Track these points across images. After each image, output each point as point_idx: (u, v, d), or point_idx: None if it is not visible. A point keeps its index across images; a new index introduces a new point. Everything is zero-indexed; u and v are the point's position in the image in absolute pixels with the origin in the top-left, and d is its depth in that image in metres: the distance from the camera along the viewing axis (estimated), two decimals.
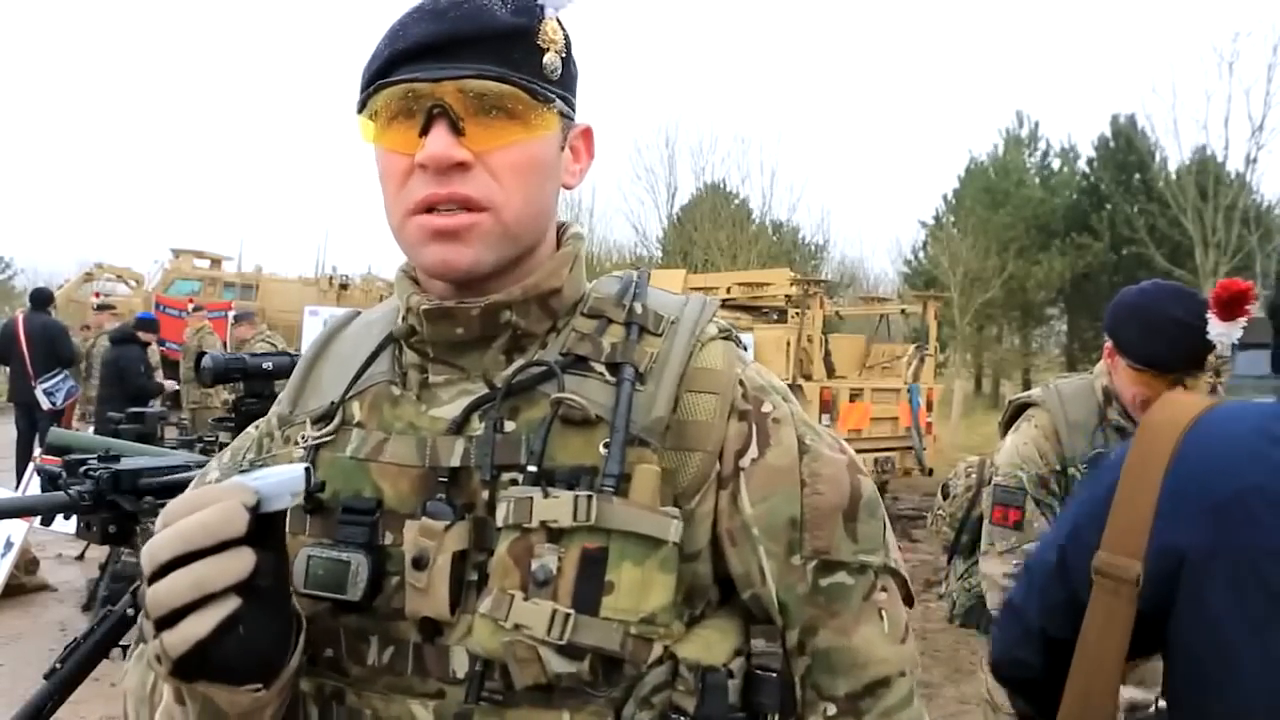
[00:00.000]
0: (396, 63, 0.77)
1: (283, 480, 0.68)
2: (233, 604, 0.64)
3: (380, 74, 0.78)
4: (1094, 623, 0.88)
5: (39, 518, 1.78)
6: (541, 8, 0.80)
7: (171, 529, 0.64)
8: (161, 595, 0.63)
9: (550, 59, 0.80)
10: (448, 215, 0.77)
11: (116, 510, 1.64)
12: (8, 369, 8.62)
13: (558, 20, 0.81)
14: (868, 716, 0.80)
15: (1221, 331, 1.88)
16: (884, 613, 0.82)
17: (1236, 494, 0.81)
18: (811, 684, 0.80)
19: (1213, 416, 0.88)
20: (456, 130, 0.76)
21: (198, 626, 0.63)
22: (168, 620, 0.63)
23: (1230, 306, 1.87)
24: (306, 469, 0.70)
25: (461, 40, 0.76)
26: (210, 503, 0.65)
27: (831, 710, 0.80)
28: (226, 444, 2.47)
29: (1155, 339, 1.95)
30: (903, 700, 0.81)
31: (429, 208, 0.78)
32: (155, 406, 6.84)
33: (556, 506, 0.72)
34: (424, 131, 0.77)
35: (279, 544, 0.70)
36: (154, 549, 0.64)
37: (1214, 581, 0.80)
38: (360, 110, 0.81)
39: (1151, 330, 1.96)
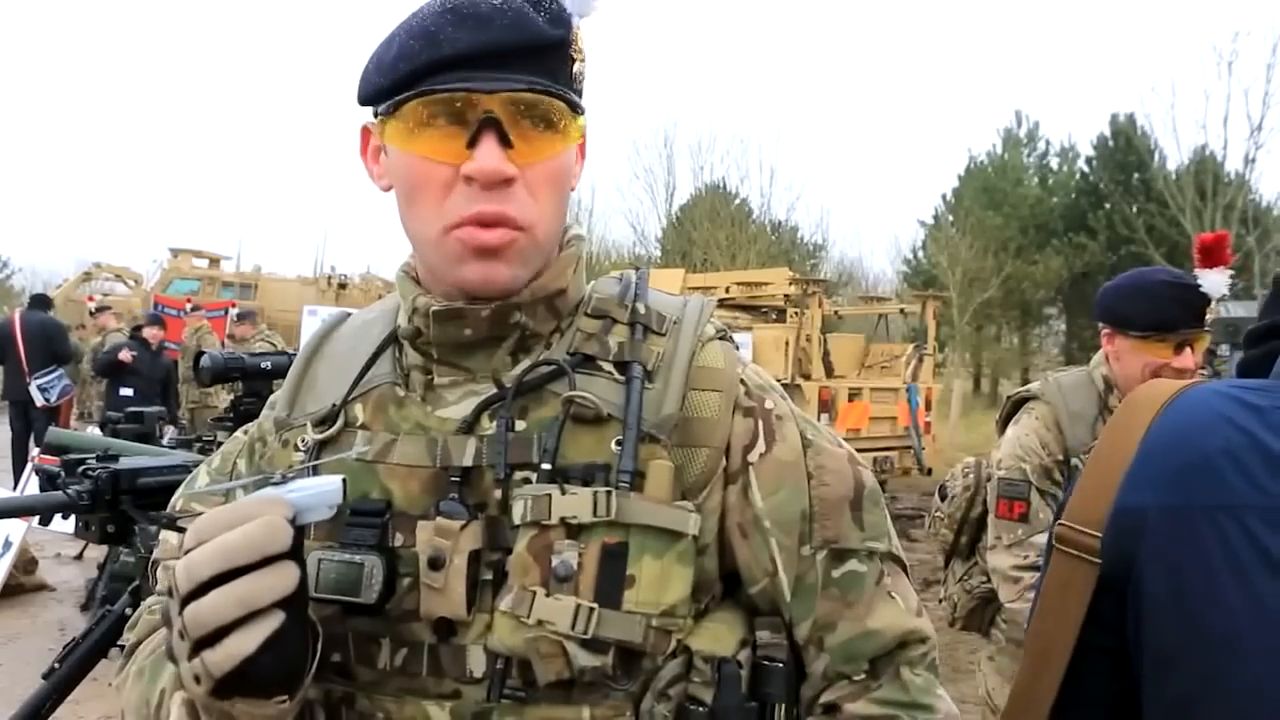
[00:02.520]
0: (438, 68, 0.75)
1: (320, 492, 0.68)
2: (278, 619, 0.63)
3: (416, 77, 0.76)
4: (1050, 591, 0.87)
5: (37, 517, 1.78)
6: (571, 16, 0.79)
7: (211, 545, 0.63)
8: (204, 614, 0.62)
9: (579, 69, 0.80)
10: (491, 227, 0.77)
11: (115, 510, 1.64)
12: (3, 367, 8.55)
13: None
14: (890, 671, 0.82)
15: (1212, 280, 1.96)
16: (894, 594, 0.84)
17: (1202, 456, 0.81)
18: (835, 673, 0.82)
19: (1191, 392, 0.88)
20: (506, 143, 0.76)
21: (244, 644, 0.62)
22: (209, 639, 0.62)
23: (1213, 253, 1.97)
24: (343, 480, 0.70)
25: (509, 51, 0.75)
26: (248, 518, 0.64)
27: (860, 675, 0.82)
28: (222, 442, 2.47)
29: (1154, 303, 2.00)
30: (920, 657, 0.83)
31: (475, 223, 0.77)
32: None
33: (576, 503, 0.73)
34: (472, 143, 0.75)
35: (302, 553, 0.69)
36: (193, 566, 0.63)
37: (1178, 541, 0.80)
38: (388, 111, 0.79)
39: (1148, 297, 2.01)
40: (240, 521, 0.64)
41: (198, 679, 0.64)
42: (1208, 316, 1.99)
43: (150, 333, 8.29)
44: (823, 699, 0.82)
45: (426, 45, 0.75)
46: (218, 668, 0.62)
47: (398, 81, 0.77)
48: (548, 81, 0.77)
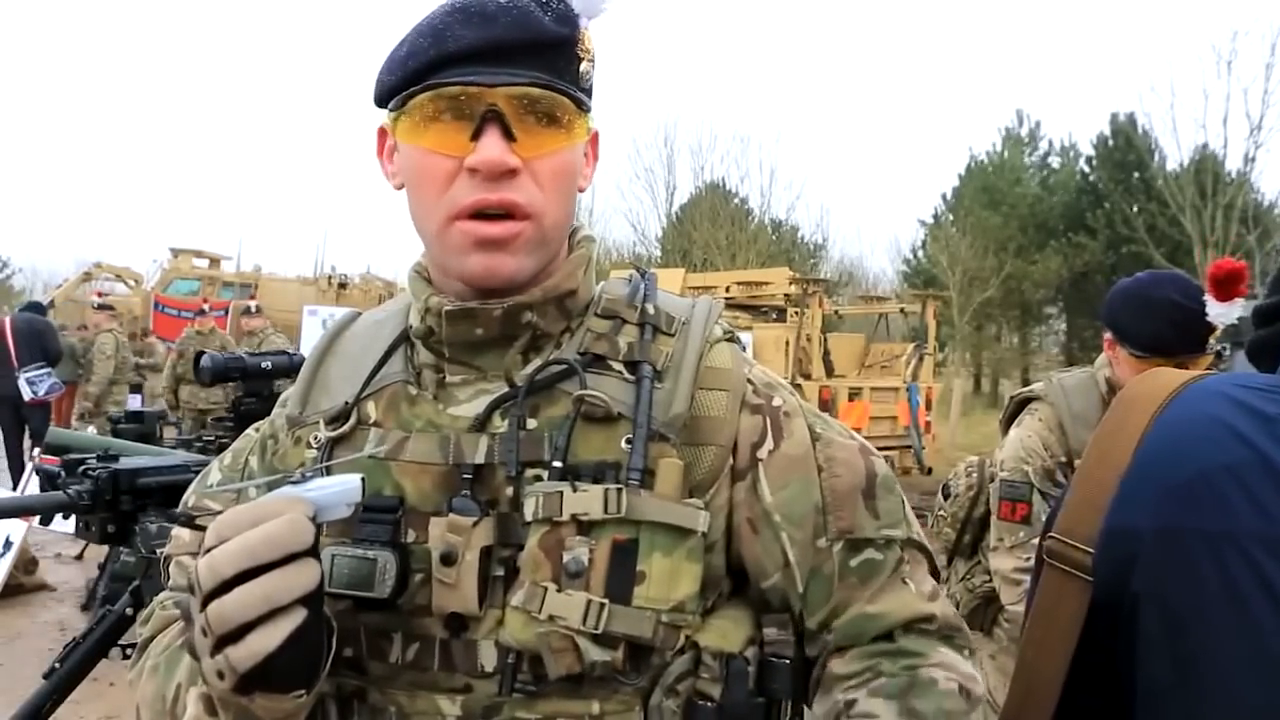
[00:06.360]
0: (444, 64, 0.77)
1: (340, 491, 0.69)
2: (300, 616, 0.64)
3: (424, 73, 0.78)
4: (1041, 608, 0.82)
5: (38, 517, 1.78)
6: (578, 17, 0.81)
7: (235, 543, 0.64)
8: (229, 611, 0.63)
9: (585, 68, 0.82)
10: (494, 222, 0.78)
11: (115, 509, 1.64)
12: None
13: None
14: (885, 641, 0.81)
15: (1220, 311, 1.89)
16: (908, 580, 0.84)
17: (1201, 474, 0.74)
18: (836, 648, 0.82)
19: (1190, 392, 0.81)
20: (509, 136, 0.77)
21: (268, 640, 0.63)
22: (232, 635, 0.63)
23: (1226, 285, 1.88)
24: (362, 479, 0.70)
25: (513, 47, 0.77)
26: (269, 516, 0.65)
27: (859, 648, 0.82)
28: (222, 441, 2.48)
29: (1156, 323, 1.94)
30: (924, 632, 0.82)
31: (476, 213, 0.78)
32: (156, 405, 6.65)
33: (587, 500, 0.74)
34: (475, 135, 0.77)
35: (318, 551, 0.70)
36: (216, 564, 0.64)
37: (1174, 570, 0.74)
38: (399, 107, 0.81)
39: (1151, 314, 1.95)
40: (262, 520, 0.65)
41: (221, 675, 0.65)
42: (1210, 341, 1.93)
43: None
44: (817, 663, 0.84)
45: (434, 42, 0.78)
46: (241, 664, 0.63)
47: (407, 78, 0.79)
48: (552, 78, 0.78)
